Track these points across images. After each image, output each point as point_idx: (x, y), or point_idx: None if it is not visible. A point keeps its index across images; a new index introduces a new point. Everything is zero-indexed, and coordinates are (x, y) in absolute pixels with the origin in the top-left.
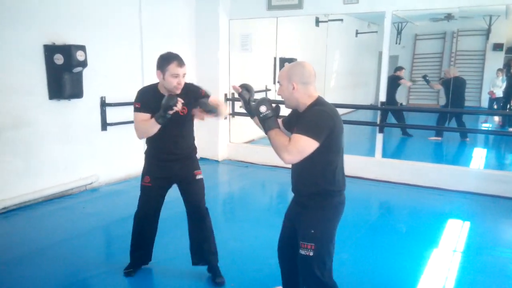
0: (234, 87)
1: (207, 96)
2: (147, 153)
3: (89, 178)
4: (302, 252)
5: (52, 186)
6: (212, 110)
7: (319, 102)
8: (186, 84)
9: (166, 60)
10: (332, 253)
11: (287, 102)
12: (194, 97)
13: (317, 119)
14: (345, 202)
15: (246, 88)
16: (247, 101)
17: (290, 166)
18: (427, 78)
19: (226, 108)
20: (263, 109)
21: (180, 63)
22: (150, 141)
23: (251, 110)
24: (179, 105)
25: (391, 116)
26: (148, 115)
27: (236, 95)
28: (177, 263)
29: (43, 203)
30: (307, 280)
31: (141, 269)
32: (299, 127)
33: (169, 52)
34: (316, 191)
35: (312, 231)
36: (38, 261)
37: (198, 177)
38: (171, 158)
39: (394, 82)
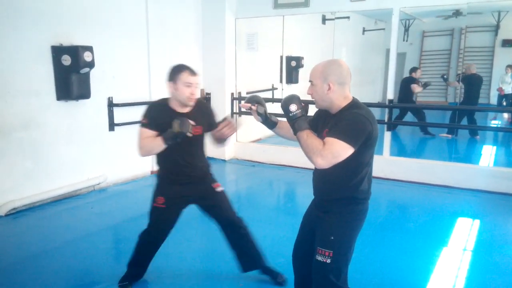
0: (244, 105)
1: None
2: (159, 174)
3: (97, 178)
4: (319, 258)
5: (60, 186)
6: (224, 140)
7: (355, 105)
8: (199, 101)
9: (178, 69)
10: (349, 261)
11: (320, 102)
12: (208, 121)
13: (355, 123)
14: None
15: (257, 101)
16: (264, 115)
17: (299, 165)
18: (445, 76)
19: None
20: (293, 108)
21: (193, 72)
22: (162, 163)
23: (270, 124)
24: (191, 130)
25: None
26: (154, 133)
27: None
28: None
29: (52, 204)
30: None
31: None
32: (335, 130)
33: (180, 63)
34: (341, 197)
35: (332, 238)
36: (47, 262)
37: (218, 189)
38: (185, 180)
39: (408, 85)
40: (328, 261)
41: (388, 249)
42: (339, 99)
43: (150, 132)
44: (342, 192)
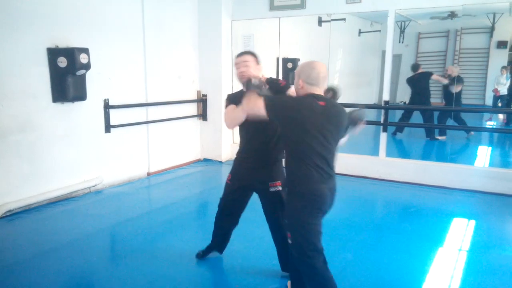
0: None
1: (288, 86)
2: (238, 151)
3: (93, 180)
4: (288, 240)
5: (56, 188)
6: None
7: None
8: (269, 79)
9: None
10: (313, 241)
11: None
12: (275, 89)
13: (282, 97)
14: (326, 196)
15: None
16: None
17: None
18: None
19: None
20: (253, 80)
21: (240, 53)
22: (240, 139)
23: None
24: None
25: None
26: (233, 106)
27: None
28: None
29: (48, 206)
30: (296, 265)
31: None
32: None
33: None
34: (289, 180)
35: (286, 221)
36: (43, 264)
37: (272, 189)
38: (251, 164)
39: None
40: (290, 241)
41: (384, 249)
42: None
43: (231, 106)
44: (289, 175)
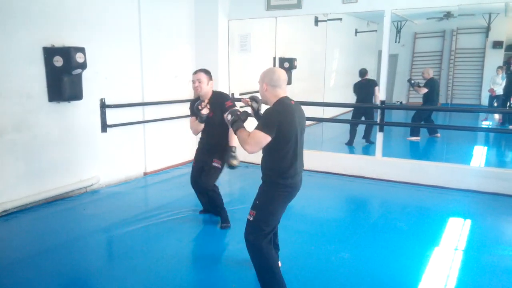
0: (244, 100)
1: (231, 107)
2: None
3: (90, 180)
4: (248, 217)
5: (52, 188)
6: (234, 168)
7: (278, 102)
8: (217, 93)
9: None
10: (270, 223)
11: (262, 99)
12: (220, 106)
13: (267, 116)
14: (296, 189)
15: (255, 100)
16: (256, 111)
17: None
18: (412, 82)
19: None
20: (228, 117)
21: (196, 71)
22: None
23: (256, 117)
24: (205, 110)
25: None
26: (194, 118)
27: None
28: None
29: (44, 206)
30: (246, 242)
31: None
32: (258, 123)
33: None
34: (268, 172)
35: (257, 202)
36: (39, 264)
37: (214, 164)
38: (204, 147)
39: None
40: (251, 219)
41: (380, 249)
42: (271, 97)
43: (192, 118)
44: (267, 167)
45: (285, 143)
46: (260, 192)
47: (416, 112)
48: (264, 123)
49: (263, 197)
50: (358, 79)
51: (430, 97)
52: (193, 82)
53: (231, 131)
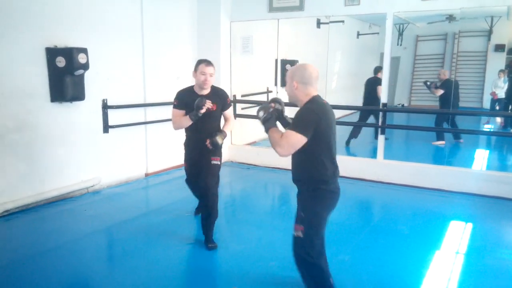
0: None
1: (229, 105)
2: (184, 143)
3: (91, 180)
4: (294, 233)
5: (54, 188)
6: (215, 146)
7: (311, 100)
8: (216, 87)
9: (198, 62)
10: (322, 236)
11: (290, 98)
12: (222, 101)
13: (303, 116)
14: (339, 194)
15: (278, 102)
16: (280, 114)
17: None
18: (428, 83)
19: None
20: (260, 114)
21: (208, 63)
22: (187, 133)
23: (285, 122)
24: (208, 104)
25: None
26: (182, 112)
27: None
28: None
29: (45, 206)
30: (299, 261)
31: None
32: (291, 123)
33: (202, 58)
34: (307, 178)
35: (302, 214)
36: (40, 264)
37: (213, 162)
38: (198, 146)
39: (374, 86)
40: (301, 235)
41: (381, 252)
42: (302, 96)
43: (179, 112)
44: (307, 174)
45: (323, 145)
46: (303, 202)
47: (437, 116)
48: (300, 123)
49: (308, 207)
50: (358, 81)
51: (447, 99)
52: (203, 74)
53: (228, 122)
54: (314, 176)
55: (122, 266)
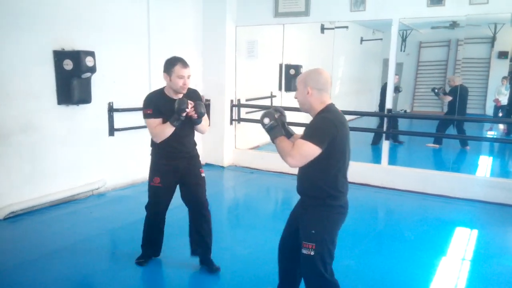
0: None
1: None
2: (155, 153)
3: (96, 183)
4: (304, 251)
5: (59, 191)
6: (201, 114)
7: (327, 109)
8: (190, 89)
9: (172, 63)
10: (333, 253)
11: (301, 105)
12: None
13: (320, 126)
14: (348, 208)
15: (279, 111)
16: (284, 124)
17: (296, 170)
18: (436, 91)
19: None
20: (266, 121)
21: (184, 64)
22: (158, 142)
23: (287, 133)
24: (189, 107)
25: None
26: (160, 120)
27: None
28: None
29: (50, 208)
30: (310, 279)
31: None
32: (304, 133)
33: (174, 56)
34: (317, 193)
35: (313, 231)
36: (45, 266)
37: (203, 175)
38: (179, 156)
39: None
40: (312, 253)
41: (387, 258)
42: (316, 103)
43: (157, 121)
44: (318, 188)
45: (338, 158)
46: (311, 218)
47: (440, 121)
48: (316, 134)
49: (319, 224)
50: (361, 87)
51: (454, 106)
52: (181, 77)
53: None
54: (325, 191)
55: (128, 269)
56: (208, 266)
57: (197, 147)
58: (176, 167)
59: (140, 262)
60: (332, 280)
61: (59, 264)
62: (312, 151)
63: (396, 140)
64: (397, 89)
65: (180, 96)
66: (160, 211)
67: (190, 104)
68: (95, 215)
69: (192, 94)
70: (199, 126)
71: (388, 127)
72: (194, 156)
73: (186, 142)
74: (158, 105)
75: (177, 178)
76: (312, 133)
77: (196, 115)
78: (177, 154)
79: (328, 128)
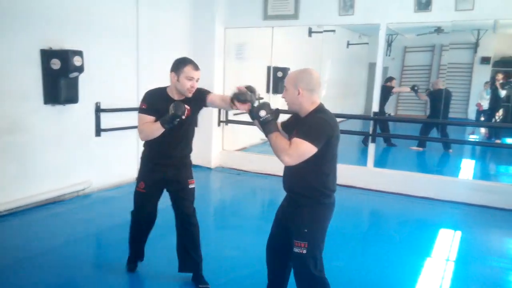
0: (238, 88)
1: (208, 93)
2: (144, 156)
3: (82, 184)
4: (296, 250)
5: (44, 191)
6: (247, 99)
7: (320, 110)
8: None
9: (183, 63)
10: (322, 250)
11: (291, 105)
12: (200, 98)
13: (318, 126)
14: (336, 207)
15: (250, 89)
16: (252, 106)
17: (282, 170)
18: (416, 88)
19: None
20: (262, 113)
21: (196, 66)
22: (149, 143)
23: (253, 113)
24: (186, 113)
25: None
26: (152, 118)
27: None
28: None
29: (35, 209)
30: (301, 276)
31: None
32: (301, 132)
33: (185, 57)
34: (310, 191)
35: (306, 230)
36: (30, 269)
37: (191, 186)
38: (167, 162)
39: (387, 94)
40: (304, 251)
41: (373, 259)
42: (307, 104)
43: (148, 117)
44: (311, 187)
45: (330, 157)
46: (304, 217)
47: (423, 124)
48: (313, 133)
49: (312, 222)
50: (348, 90)
51: (434, 109)
52: (190, 79)
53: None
54: (318, 189)
55: (113, 271)
56: (196, 284)
57: None
58: (164, 174)
59: (130, 267)
60: (321, 276)
61: (43, 266)
62: (309, 150)
63: (389, 142)
64: (413, 88)
65: (182, 97)
66: (143, 218)
67: (187, 108)
68: (80, 217)
69: (197, 94)
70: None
71: (374, 129)
72: (185, 164)
73: (179, 148)
74: (156, 102)
75: (163, 186)
76: (309, 132)
77: (245, 105)
78: (166, 160)
79: (324, 128)
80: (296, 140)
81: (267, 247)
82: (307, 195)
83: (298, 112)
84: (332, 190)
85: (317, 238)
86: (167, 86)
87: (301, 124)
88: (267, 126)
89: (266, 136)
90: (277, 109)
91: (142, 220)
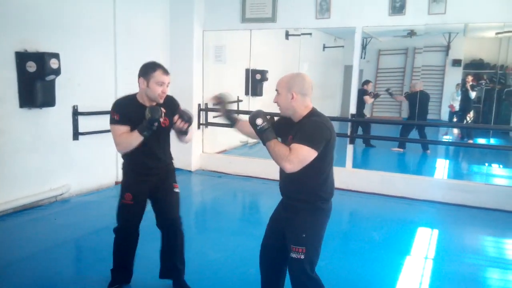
0: (215, 98)
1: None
2: (126, 167)
3: (60, 188)
4: (293, 255)
5: (22, 197)
6: (190, 121)
7: (315, 113)
8: (167, 96)
9: (152, 67)
10: (319, 254)
11: (284, 110)
12: (174, 105)
13: (316, 130)
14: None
15: (223, 98)
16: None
17: (265, 176)
18: (390, 91)
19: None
20: (259, 121)
21: (165, 71)
22: (129, 155)
23: (230, 119)
24: (163, 116)
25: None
26: (127, 128)
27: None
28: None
29: (12, 215)
30: (297, 281)
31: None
32: (299, 137)
33: (153, 61)
34: (309, 196)
35: (304, 235)
36: (6, 276)
37: (176, 190)
38: (152, 172)
39: (361, 97)
40: (302, 257)
41: (353, 259)
42: (300, 108)
43: (123, 128)
44: (310, 192)
45: (328, 161)
46: (302, 222)
47: (402, 126)
48: (312, 137)
49: (310, 228)
50: (324, 92)
51: (411, 111)
52: (160, 85)
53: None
54: (317, 194)
55: (93, 276)
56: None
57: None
58: (150, 183)
59: None
60: (317, 277)
61: (21, 273)
62: (310, 155)
63: (368, 144)
64: (388, 91)
65: (154, 104)
66: (130, 232)
67: (164, 111)
68: (59, 222)
69: (169, 102)
70: (187, 136)
71: (352, 131)
72: (169, 170)
73: (161, 155)
74: (128, 111)
75: (149, 193)
76: (308, 137)
77: (185, 125)
78: (150, 170)
79: (323, 131)
80: (296, 146)
81: (261, 251)
82: (305, 199)
83: (291, 116)
84: (330, 194)
85: (315, 243)
86: (136, 93)
87: (296, 129)
88: (264, 134)
89: (264, 144)
90: (271, 117)
91: (130, 235)
